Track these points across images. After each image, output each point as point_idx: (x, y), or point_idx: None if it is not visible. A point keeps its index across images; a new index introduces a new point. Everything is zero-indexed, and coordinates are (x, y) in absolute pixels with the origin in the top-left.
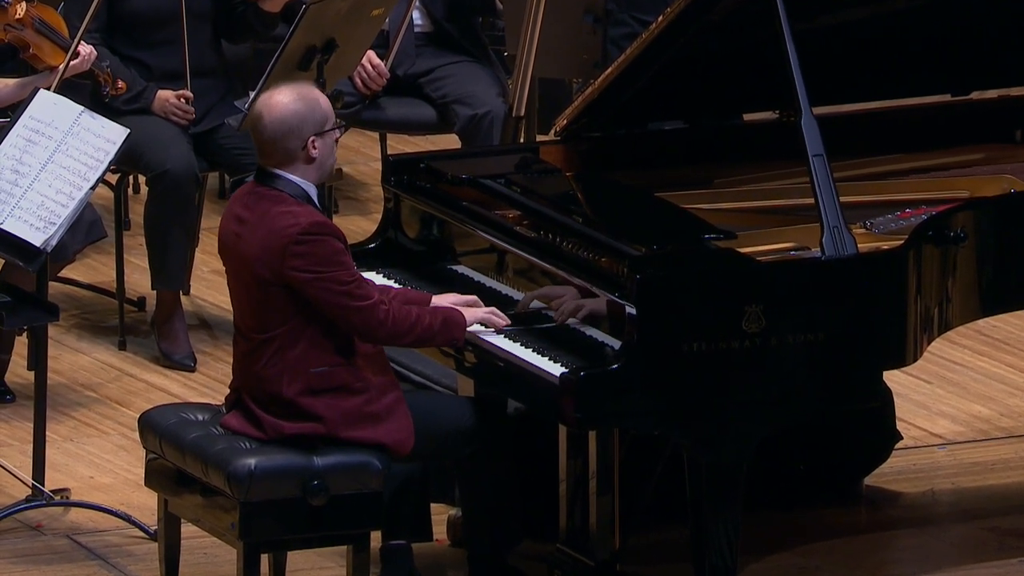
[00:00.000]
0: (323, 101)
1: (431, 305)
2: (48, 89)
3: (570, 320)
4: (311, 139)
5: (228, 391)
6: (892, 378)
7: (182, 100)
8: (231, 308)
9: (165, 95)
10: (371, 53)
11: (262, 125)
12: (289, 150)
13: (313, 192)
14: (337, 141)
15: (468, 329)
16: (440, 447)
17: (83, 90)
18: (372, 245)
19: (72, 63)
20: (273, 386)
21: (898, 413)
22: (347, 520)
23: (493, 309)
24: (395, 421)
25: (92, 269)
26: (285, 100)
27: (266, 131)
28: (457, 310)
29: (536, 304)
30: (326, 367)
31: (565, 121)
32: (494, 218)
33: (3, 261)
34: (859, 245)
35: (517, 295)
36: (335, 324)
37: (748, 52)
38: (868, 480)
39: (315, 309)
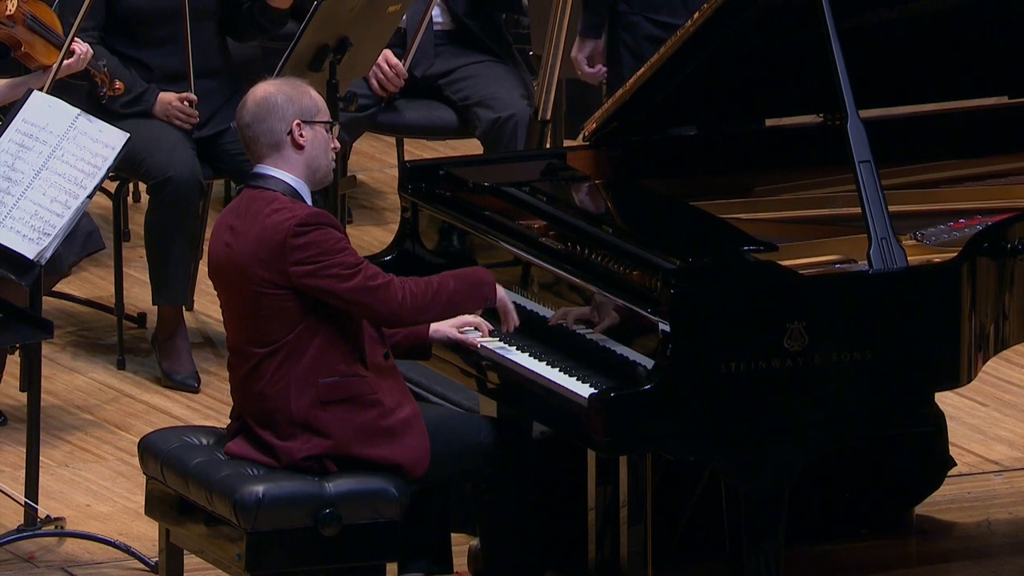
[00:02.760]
0: (316, 95)
1: (448, 272)
2: (41, 90)
3: (590, 334)
4: (296, 122)
5: (229, 421)
6: (945, 400)
7: (185, 103)
8: None
9: (167, 97)
10: (388, 52)
11: (245, 109)
12: (274, 132)
13: (306, 193)
14: (337, 151)
15: (488, 346)
16: (457, 467)
17: (79, 92)
18: (388, 257)
19: (66, 62)
20: (279, 403)
21: (951, 437)
22: (361, 551)
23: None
24: (411, 437)
25: (89, 283)
26: (271, 84)
27: (248, 113)
28: (480, 269)
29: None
30: (336, 377)
31: (594, 125)
32: (518, 228)
33: None
34: (909, 258)
35: (543, 311)
36: (347, 324)
37: (790, 52)
38: (919, 510)
39: (321, 313)
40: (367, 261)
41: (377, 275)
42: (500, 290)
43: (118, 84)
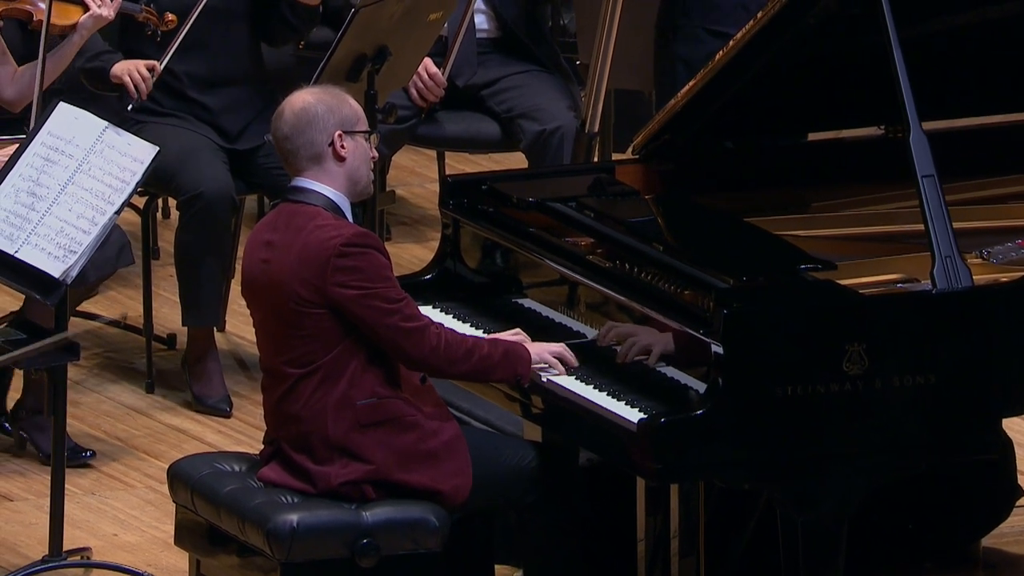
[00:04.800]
0: (354, 103)
1: (490, 336)
2: (77, 48)
3: (641, 359)
4: (337, 134)
5: (262, 446)
6: (1012, 426)
7: (148, 70)
8: None
9: (133, 61)
10: (428, 61)
11: (282, 121)
12: (315, 144)
13: (347, 207)
14: (375, 160)
15: (533, 367)
16: (499, 494)
17: (108, 103)
18: (428, 276)
19: (94, 12)
20: (316, 425)
21: (1019, 465)
22: None
23: (563, 346)
24: (453, 462)
25: (117, 303)
26: (308, 93)
27: (287, 124)
28: (521, 344)
29: (610, 341)
30: (374, 399)
31: (644, 138)
32: (564, 246)
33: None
34: (975, 276)
35: (590, 331)
36: (382, 349)
37: (850, 61)
38: (985, 541)
39: (360, 333)
40: (408, 297)
41: (414, 316)
42: (538, 349)
43: (170, 16)
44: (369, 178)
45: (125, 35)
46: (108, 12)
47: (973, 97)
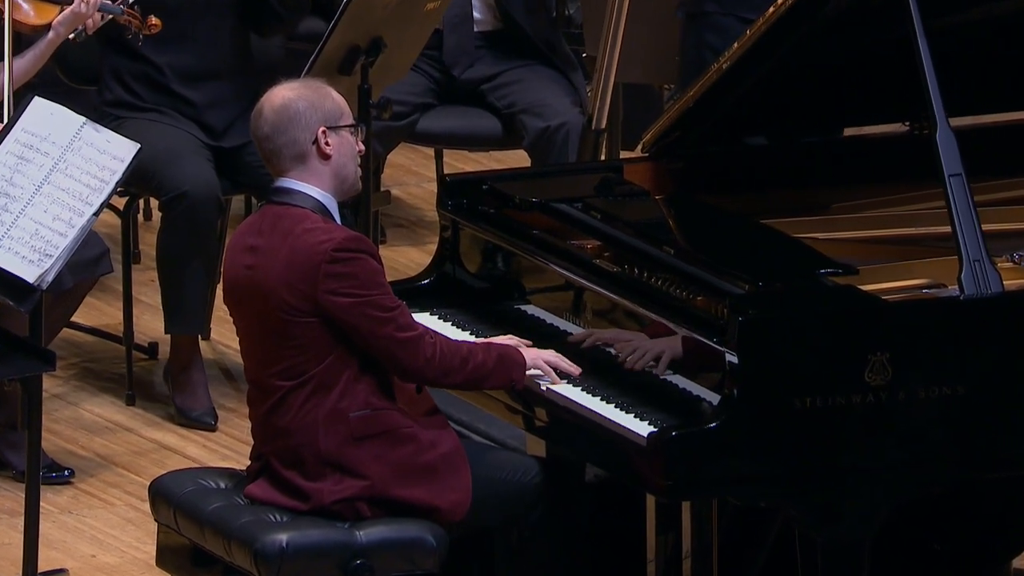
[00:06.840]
0: (337, 96)
1: (485, 341)
2: (52, 48)
3: (650, 368)
4: (321, 130)
5: (249, 462)
6: None
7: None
8: None
9: None
10: None
11: (263, 120)
12: (297, 142)
13: (334, 208)
14: (362, 154)
15: (529, 373)
16: (500, 512)
17: (85, 98)
18: (425, 281)
19: (74, 11)
20: (307, 439)
21: None
22: None
23: (555, 353)
24: (452, 476)
25: (96, 310)
26: (287, 89)
27: (267, 124)
28: (515, 348)
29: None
30: (368, 410)
31: (654, 135)
32: (570, 249)
33: None
34: (1005, 282)
35: None
36: (375, 358)
37: (873, 54)
38: (1017, 563)
39: (353, 341)
40: (403, 305)
41: (409, 326)
42: (532, 353)
43: (153, 20)
44: (356, 174)
45: (104, 37)
46: (88, 11)
47: (1003, 92)
